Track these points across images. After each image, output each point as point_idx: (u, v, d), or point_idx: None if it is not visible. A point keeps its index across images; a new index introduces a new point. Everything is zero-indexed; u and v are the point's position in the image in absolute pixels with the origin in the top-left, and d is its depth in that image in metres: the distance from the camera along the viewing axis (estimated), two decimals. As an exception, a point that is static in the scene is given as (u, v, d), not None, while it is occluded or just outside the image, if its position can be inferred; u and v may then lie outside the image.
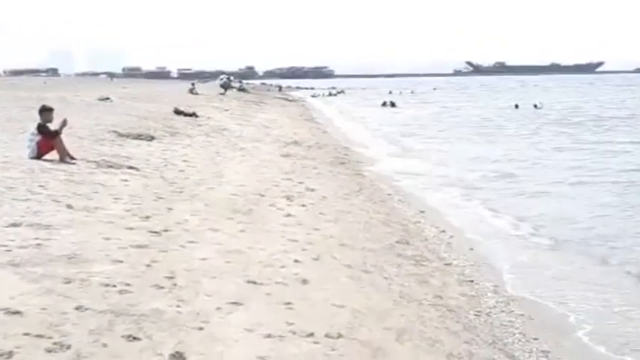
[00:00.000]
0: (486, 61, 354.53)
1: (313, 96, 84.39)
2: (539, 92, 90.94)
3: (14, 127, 18.04)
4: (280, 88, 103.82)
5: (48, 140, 12.99)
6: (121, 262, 7.16)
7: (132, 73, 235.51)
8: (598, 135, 31.89)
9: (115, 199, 10.37)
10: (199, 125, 24.57)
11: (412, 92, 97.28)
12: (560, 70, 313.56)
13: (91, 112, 24.54)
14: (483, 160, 22.19)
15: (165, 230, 8.81)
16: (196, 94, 49.34)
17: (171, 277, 6.85)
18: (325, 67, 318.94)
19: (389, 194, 14.77)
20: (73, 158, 13.24)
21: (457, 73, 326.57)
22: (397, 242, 9.88)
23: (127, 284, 6.48)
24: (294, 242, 8.96)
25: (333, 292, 7.08)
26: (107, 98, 31.62)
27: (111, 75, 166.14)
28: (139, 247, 7.83)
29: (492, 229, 12.21)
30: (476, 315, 7.60)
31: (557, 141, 29.05)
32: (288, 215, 10.74)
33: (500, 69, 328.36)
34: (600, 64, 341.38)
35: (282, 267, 7.72)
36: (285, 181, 14.27)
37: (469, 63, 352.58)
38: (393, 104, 60.85)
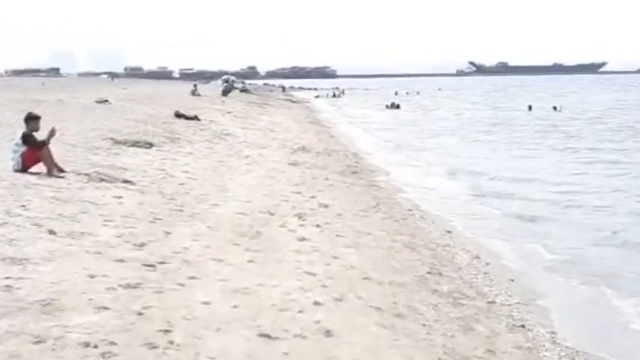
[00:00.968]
0: (489, 61, 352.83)
1: (317, 97, 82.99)
2: (547, 93, 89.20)
3: (3, 132, 16.79)
4: (284, 88, 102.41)
5: (34, 151, 11.74)
6: (107, 309, 5.94)
7: (134, 73, 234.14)
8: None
9: (106, 221, 9.12)
10: (201, 130, 23.31)
11: (418, 93, 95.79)
12: (562, 70, 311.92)
13: (88, 115, 23.29)
14: (508, 172, 20.63)
15: (162, 262, 7.57)
16: (198, 95, 48.06)
17: (167, 331, 5.62)
18: (328, 67, 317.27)
19: (409, 209, 13.50)
20: (61, 171, 11.99)
21: (460, 73, 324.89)
22: (429, 273, 8.62)
23: (112, 343, 5.25)
24: (311, 276, 7.71)
25: (363, 348, 5.84)
26: (105, 100, 30.38)
27: (112, 75, 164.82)
28: (129, 286, 6.60)
29: (531, 256, 10.88)
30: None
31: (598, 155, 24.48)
32: (302, 239, 9.50)
33: (503, 69, 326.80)
34: (603, 64, 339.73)
35: (300, 312, 6.48)
36: (295, 195, 13.02)
37: (472, 63, 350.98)
38: (397, 106, 59.31)
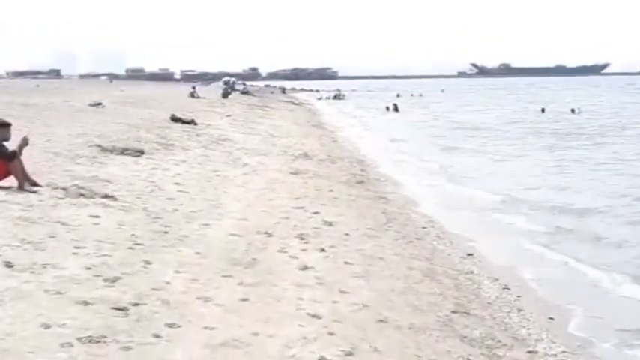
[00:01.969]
0: (491, 63, 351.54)
1: (319, 99, 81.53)
2: (554, 94, 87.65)
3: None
4: (284, 90, 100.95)
5: (3, 163, 10.43)
6: (56, 377, 4.66)
7: (135, 75, 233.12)
8: None
9: (77, 247, 7.83)
10: (197, 135, 22.02)
11: (420, 95, 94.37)
12: (565, 71, 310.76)
13: (77, 119, 22.01)
14: (534, 181, 19.20)
15: (136, 303, 6.28)
16: (197, 97, 46.85)
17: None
18: (329, 69, 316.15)
19: (423, 227, 12.17)
20: (35, 185, 10.69)
21: (461, 74, 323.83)
22: (454, 312, 7.31)
23: None
24: (316, 319, 6.41)
25: None
26: (99, 103, 29.10)
27: (111, 77, 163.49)
28: (90, 340, 5.32)
29: (568, 283, 9.54)
30: None
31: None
32: (305, 267, 8.20)
33: (505, 71, 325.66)
34: (606, 65, 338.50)
35: (303, 374, 5.19)
36: (296, 211, 11.72)
37: (474, 64, 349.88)
38: (396, 108, 57.28)
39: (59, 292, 6.29)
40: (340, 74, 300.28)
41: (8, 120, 11.34)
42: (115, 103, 32.45)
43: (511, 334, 7.10)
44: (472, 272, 9.39)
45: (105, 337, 5.42)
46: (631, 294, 9.09)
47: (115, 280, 6.86)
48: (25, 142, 10.84)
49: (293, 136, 26.88)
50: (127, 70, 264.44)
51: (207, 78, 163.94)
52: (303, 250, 9.09)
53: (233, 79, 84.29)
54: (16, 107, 25.17)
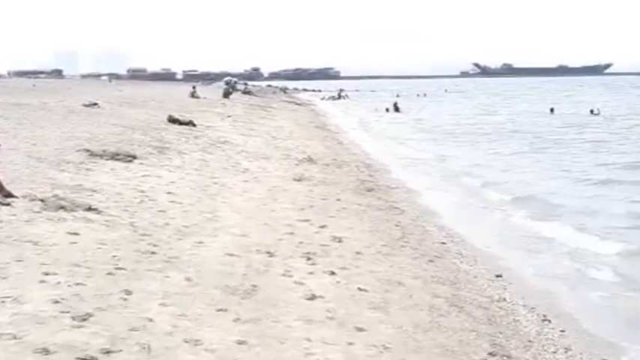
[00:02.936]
0: (493, 63, 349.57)
1: (322, 99, 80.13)
2: (562, 94, 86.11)
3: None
4: (286, 90, 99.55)
5: (-28, 172, 9.29)
6: None
7: (137, 75, 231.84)
8: None
9: (46, 274, 6.68)
10: (196, 137, 20.85)
11: (425, 95, 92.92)
12: (568, 72, 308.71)
13: (69, 121, 20.85)
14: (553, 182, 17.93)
15: (108, 351, 5.13)
16: (198, 97, 45.67)
17: None
18: (331, 69, 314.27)
19: (442, 242, 10.97)
20: (9, 196, 9.54)
21: (464, 74, 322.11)
22: (492, 355, 6.13)
23: None
24: (328, 370, 5.26)
25: None
26: (94, 104, 27.90)
27: (112, 77, 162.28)
28: (44, 409, 4.17)
29: (614, 310, 8.30)
30: None
31: None
32: (312, 297, 7.03)
33: (508, 71, 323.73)
34: (609, 65, 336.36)
35: None
36: (301, 224, 10.56)
37: (476, 65, 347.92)
38: (397, 108, 55.69)
39: (14, 337, 5.15)
40: (343, 74, 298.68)
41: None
42: (112, 103, 31.24)
43: (564, 384, 5.93)
44: (504, 299, 8.18)
45: (63, 403, 4.28)
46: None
47: (85, 318, 5.71)
48: (-4, 149, 9.70)
49: (296, 137, 25.71)
50: (128, 70, 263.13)
51: (208, 78, 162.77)
52: (310, 273, 7.92)
53: (234, 79, 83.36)
54: (7, 107, 24.02)
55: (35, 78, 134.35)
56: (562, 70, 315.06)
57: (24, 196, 9.75)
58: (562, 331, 7.30)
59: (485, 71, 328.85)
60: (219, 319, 6.16)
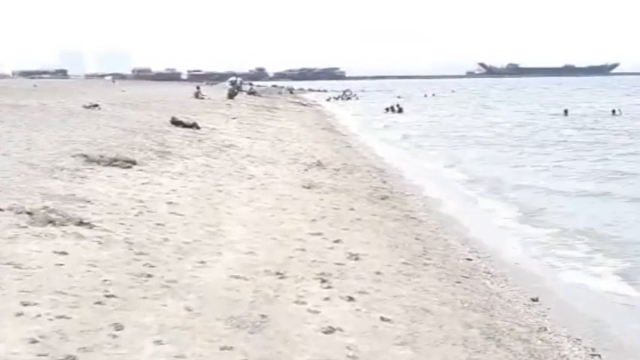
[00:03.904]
0: (499, 63, 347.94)
1: (328, 99, 79.15)
2: (574, 95, 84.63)
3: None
4: (291, 90, 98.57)
5: (-49, 183, 8.43)
6: None
7: (141, 75, 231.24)
8: None
9: (25, 304, 5.81)
10: (199, 140, 19.99)
11: (433, 95, 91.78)
12: (574, 72, 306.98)
13: (68, 124, 20.02)
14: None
15: (90, 409, 4.25)
16: (202, 98, 44.86)
17: None
18: (337, 69, 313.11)
19: (468, 258, 10.06)
20: (-7, 209, 8.70)
21: (470, 74, 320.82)
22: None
23: None
24: None
25: None
26: (95, 105, 27.07)
27: (115, 76, 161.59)
28: None
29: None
30: None
31: None
32: (330, 330, 6.14)
33: (514, 71, 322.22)
34: (615, 65, 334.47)
35: None
36: (313, 238, 9.67)
37: (482, 64, 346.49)
38: (400, 109, 54.82)
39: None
40: (348, 74, 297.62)
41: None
42: (114, 104, 30.44)
43: None
44: (545, 329, 7.26)
45: None
46: None
47: (65, 362, 4.83)
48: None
49: (303, 140, 24.82)
50: (133, 71, 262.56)
51: (213, 78, 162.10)
52: (326, 299, 7.03)
53: (239, 79, 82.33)
54: (4, 109, 23.23)
55: (39, 78, 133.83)
56: (568, 70, 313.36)
57: (10, 209, 8.89)
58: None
59: (491, 71, 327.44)
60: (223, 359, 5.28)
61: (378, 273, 8.24)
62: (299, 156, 19.34)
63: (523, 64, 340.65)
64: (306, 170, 16.61)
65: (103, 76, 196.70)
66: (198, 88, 49.79)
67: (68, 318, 5.67)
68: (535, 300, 8.35)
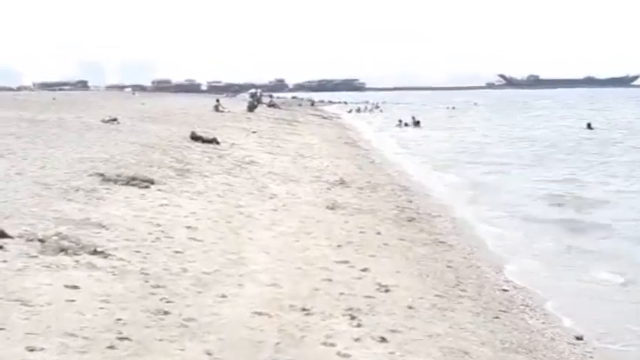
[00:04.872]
0: (519, 74, 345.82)
1: (349, 112, 78.25)
2: (595, 108, 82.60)
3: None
4: (313, 102, 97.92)
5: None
6: None
7: (161, 86, 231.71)
8: None
9: (30, 349, 5.34)
10: (219, 157, 19.55)
11: (454, 108, 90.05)
12: (594, 83, 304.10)
13: (85, 139, 19.66)
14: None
15: None
16: (222, 111, 44.54)
17: None
18: (356, 80, 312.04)
19: (504, 289, 9.48)
20: (3, 235, 8.25)
21: (490, 86, 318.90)
22: None
23: None
24: None
25: None
26: (114, 119, 26.73)
27: (136, 88, 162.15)
28: None
29: None
30: None
31: None
32: (363, 379, 5.60)
33: (534, 82, 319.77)
34: (636, 77, 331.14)
35: None
36: (340, 267, 9.14)
37: (502, 76, 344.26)
38: (417, 123, 52.69)
39: None
40: (367, 86, 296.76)
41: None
42: (133, 118, 30.13)
43: None
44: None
45: None
46: None
47: None
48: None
49: (325, 156, 24.31)
50: (153, 82, 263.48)
51: (233, 90, 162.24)
52: (357, 340, 6.48)
53: (259, 90, 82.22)
54: (22, 124, 22.96)
55: (59, 90, 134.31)
56: (589, 82, 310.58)
57: (20, 236, 8.46)
58: None
59: (511, 82, 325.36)
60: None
61: (410, 307, 7.69)
62: (321, 173, 18.84)
63: (543, 76, 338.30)
64: (329, 189, 16.08)
65: (123, 87, 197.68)
66: (217, 101, 49.52)
67: (74, 368, 5.18)
68: (579, 338, 7.75)
